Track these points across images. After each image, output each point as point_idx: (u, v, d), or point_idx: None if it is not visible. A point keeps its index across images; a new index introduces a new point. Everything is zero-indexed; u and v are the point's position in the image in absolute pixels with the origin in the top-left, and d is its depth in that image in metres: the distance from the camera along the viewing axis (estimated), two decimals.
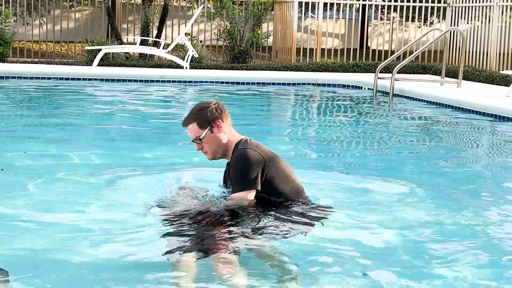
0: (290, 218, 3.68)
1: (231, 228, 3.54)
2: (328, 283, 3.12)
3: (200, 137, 3.80)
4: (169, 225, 3.57)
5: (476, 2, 14.73)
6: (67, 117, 8.34)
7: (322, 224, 3.69)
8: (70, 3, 17.15)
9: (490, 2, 14.17)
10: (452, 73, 13.29)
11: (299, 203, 3.80)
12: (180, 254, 3.25)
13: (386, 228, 3.91)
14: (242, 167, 3.68)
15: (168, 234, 3.47)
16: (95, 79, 12.16)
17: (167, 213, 3.70)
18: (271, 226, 3.60)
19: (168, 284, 3.08)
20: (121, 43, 15.18)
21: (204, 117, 3.81)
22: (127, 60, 14.45)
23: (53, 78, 12.10)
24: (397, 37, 17.48)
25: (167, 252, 3.27)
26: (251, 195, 3.68)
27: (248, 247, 3.40)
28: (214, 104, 3.86)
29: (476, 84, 12.58)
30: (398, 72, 11.05)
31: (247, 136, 3.91)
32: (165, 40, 15.26)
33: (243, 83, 12.48)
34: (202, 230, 3.54)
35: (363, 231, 3.83)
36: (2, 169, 4.97)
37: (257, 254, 3.39)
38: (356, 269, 3.27)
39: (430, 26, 19.21)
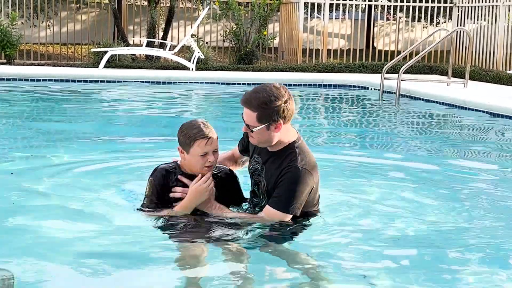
0: (304, 223, 3.67)
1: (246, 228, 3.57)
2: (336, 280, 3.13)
3: (253, 129, 3.50)
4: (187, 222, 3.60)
5: (482, 2, 14.70)
6: (73, 119, 8.36)
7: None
8: (77, 5, 17.19)
9: (497, 2, 14.13)
10: (458, 73, 13.26)
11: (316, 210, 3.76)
12: (191, 244, 3.34)
13: (391, 229, 3.91)
14: (294, 190, 3.48)
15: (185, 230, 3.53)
16: (101, 81, 12.18)
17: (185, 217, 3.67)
18: (285, 229, 3.58)
19: (178, 273, 3.14)
20: (127, 45, 15.21)
21: (267, 113, 3.45)
22: (134, 62, 14.48)
23: (60, 80, 12.12)
24: (403, 37, 17.45)
25: (178, 243, 3.40)
26: (287, 217, 3.53)
27: (259, 245, 3.45)
28: (284, 102, 3.47)
29: (482, 84, 12.55)
30: (404, 73, 11.02)
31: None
32: (171, 41, 15.27)
33: (249, 84, 12.47)
34: (217, 223, 3.57)
35: (368, 232, 3.82)
36: (12, 173, 4.98)
37: (273, 252, 3.41)
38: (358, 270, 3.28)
39: (436, 26, 19.18)
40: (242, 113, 3.54)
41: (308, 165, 3.52)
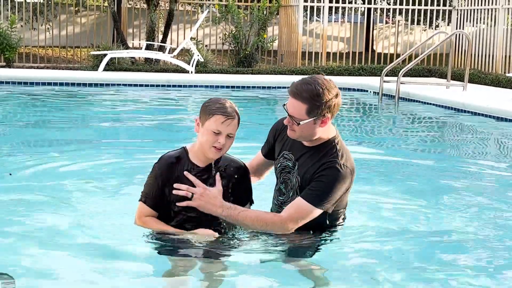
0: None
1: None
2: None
3: (300, 122, 3.33)
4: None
5: (481, 5, 14.71)
6: (72, 122, 8.36)
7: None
8: (76, 8, 17.20)
9: (496, 5, 14.15)
10: (457, 76, 13.27)
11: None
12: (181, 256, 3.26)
13: (393, 234, 3.91)
14: (332, 186, 3.33)
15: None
16: (100, 84, 12.19)
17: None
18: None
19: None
20: (127, 48, 15.21)
21: (319, 106, 3.30)
22: (133, 65, 14.47)
23: (59, 83, 12.12)
24: (402, 40, 17.46)
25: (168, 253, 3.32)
26: (316, 213, 3.35)
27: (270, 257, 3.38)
28: (335, 96, 3.34)
29: (482, 87, 12.55)
30: (403, 76, 11.03)
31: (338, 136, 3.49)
32: (171, 44, 15.28)
33: (248, 87, 12.48)
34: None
35: (371, 237, 3.82)
36: (10, 174, 4.97)
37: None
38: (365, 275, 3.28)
39: (435, 29, 19.19)
40: (285, 104, 3.37)
41: (349, 163, 3.38)
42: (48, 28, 16.37)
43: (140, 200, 3.46)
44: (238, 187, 3.48)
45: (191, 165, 3.41)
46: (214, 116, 3.29)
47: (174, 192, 3.36)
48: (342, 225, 3.60)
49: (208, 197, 3.32)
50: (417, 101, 10.87)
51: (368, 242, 3.69)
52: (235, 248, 3.37)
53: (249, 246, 3.40)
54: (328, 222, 3.49)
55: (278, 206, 3.58)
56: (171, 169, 3.38)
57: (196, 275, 3.17)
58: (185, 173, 3.38)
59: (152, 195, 3.41)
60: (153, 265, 3.33)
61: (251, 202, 3.57)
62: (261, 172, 3.78)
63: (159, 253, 3.34)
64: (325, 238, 3.51)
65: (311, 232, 3.47)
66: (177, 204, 3.38)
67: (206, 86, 12.43)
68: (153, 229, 3.43)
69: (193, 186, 3.36)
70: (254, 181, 3.72)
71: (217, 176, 3.39)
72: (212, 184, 3.38)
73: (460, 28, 15.42)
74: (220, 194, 3.36)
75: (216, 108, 3.30)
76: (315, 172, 3.36)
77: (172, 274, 3.21)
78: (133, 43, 16.51)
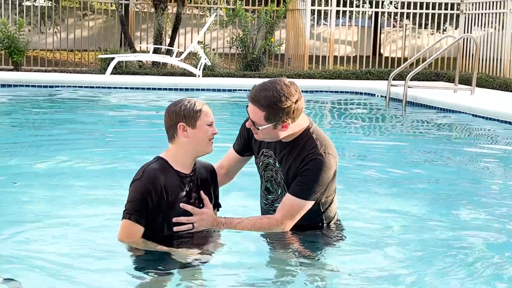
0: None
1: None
2: None
3: (259, 127, 3.32)
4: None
5: (489, 9, 14.68)
6: (80, 125, 8.37)
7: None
8: (84, 12, 17.26)
9: (504, 9, 14.11)
10: (465, 80, 13.23)
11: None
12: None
13: (399, 241, 3.90)
14: (319, 177, 3.32)
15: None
16: (108, 88, 12.20)
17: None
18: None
19: None
20: (134, 51, 15.24)
21: (277, 113, 3.27)
22: (140, 69, 14.50)
23: (67, 86, 12.15)
24: (410, 44, 17.44)
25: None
26: (309, 205, 3.37)
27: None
28: (295, 102, 3.29)
29: (490, 91, 12.52)
30: (411, 80, 11.00)
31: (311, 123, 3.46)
32: (178, 48, 15.30)
33: None
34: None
35: (375, 245, 3.81)
36: (15, 183, 4.96)
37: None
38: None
39: (443, 33, 19.16)
40: (247, 106, 3.35)
41: (329, 149, 3.36)
42: (55, 31, 16.42)
43: (128, 218, 3.28)
44: (214, 190, 3.48)
45: (177, 174, 3.33)
46: (201, 112, 3.28)
47: (175, 228, 3.31)
48: (336, 217, 3.60)
49: (206, 221, 3.35)
50: (424, 105, 10.85)
51: (369, 243, 3.69)
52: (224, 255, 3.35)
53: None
54: (321, 210, 3.49)
55: (269, 205, 3.57)
56: (157, 181, 3.27)
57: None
58: (181, 205, 3.31)
59: (142, 213, 3.26)
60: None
61: (219, 206, 3.54)
62: (233, 172, 3.72)
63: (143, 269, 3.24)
64: (323, 237, 3.51)
65: (307, 226, 3.46)
66: (179, 231, 3.32)
67: (213, 90, 12.44)
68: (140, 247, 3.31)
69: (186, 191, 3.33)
70: (225, 183, 3.69)
71: (202, 194, 3.37)
72: (195, 184, 3.36)
73: (467, 32, 15.39)
74: (212, 211, 3.40)
75: (195, 105, 3.29)
76: (298, 167, 3.36)
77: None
78: (140, 47, 16.55)
